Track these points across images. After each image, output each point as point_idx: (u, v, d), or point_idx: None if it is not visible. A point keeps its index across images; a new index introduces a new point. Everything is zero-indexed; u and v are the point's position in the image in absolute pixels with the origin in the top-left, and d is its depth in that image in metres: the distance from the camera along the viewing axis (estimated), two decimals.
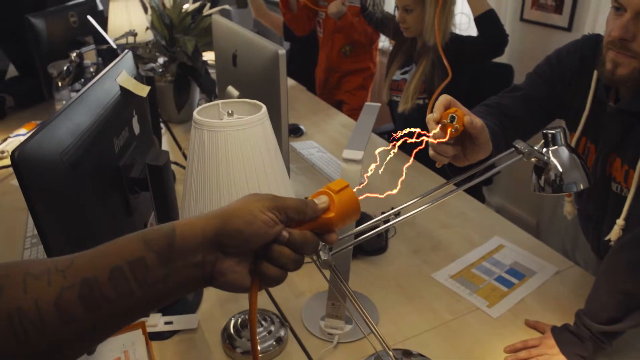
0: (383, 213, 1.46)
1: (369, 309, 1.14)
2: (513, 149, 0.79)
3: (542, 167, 0.79)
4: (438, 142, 0.78)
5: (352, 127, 2.17)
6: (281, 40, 3.38)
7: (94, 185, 0.86)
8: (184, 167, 1.70)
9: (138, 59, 2.04)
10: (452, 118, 0.78)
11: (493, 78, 2.17)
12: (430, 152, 0.85)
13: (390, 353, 0.75)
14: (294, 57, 3.10)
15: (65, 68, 1.94)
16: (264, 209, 0.53)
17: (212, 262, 0.52)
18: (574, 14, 2.33)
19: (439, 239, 1.40)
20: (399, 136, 0.66)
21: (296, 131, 2.09)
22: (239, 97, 1.34)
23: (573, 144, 1.17)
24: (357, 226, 0.74)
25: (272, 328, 1.07)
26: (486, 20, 1.85)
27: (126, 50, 1.17)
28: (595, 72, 1.10)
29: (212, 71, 1.95)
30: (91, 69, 2.08)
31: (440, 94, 1.81)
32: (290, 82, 2.71)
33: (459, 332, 1.09)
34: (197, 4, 2.09)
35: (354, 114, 2.72)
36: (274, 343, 1.04)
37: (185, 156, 1.85)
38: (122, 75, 1.03)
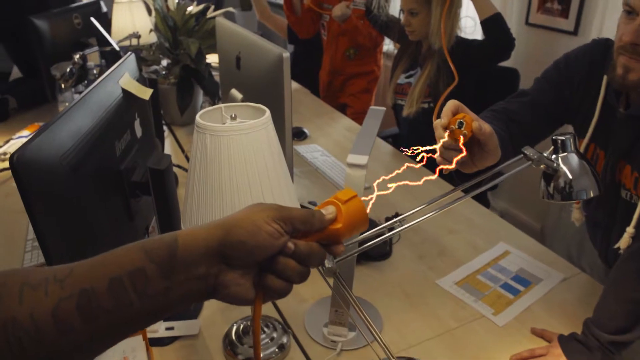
0: (387, 218, 1.44)
1: (372, 315, 1.12)
2: (521, 155, 0.77)
3: (551, 174, 0.77)
4: (446, 149, 0.76)
5: (356, 130, 2.16)
6: (285, 43, 3.38)
7: (95, 189, 0.84)
8: (186, 170, 1.69)
9: (141, 61, 2.04)
10: (461, 124, 0.76)
11: (498, 82, 2.15)
12: (438, 158, 0.83)
13: None
14: (297, 59, 3.09)
15: (68, 70, 1.93)
16: (268, 219, 0.51)
17: (215, 275, 0.50)
18: (580, 18, 2.31)
19: (444, 245, 1.38)
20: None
21: (300, 134, 2.07)
22: (243, 100, 1.33)
23: (581, 150, 1.15)
24: (361, 233, 0.73)
25: (275, 335, 1.05)
26: (493, 23, 1.83)
27: (129, 53, 1.16)
28: (605, 77, 1.08)
29: (215, 74, 1.94)
30: (94, 71, 2.07)
31: (446, 98, 1.81)
32: (294, 85, 2.70)
33: (464, 340, 1.07)
34: (201, 7, 2.09)
35: (357, 117, 2.70)
36: (277, 350, 1.03)
37: (187, 159, 1.84)
38: (124, 77, 1.02)
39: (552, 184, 0.77)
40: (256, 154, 0.81)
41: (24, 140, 0.69)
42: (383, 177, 0.62)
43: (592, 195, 0.76)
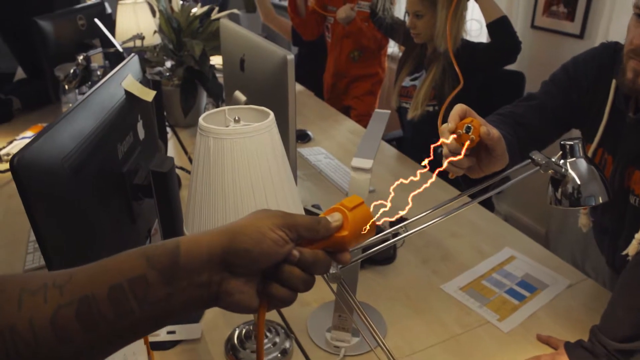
0: (391, 223, 1.43)
1: (376, 321, 1.11)
2: (529, 160, 0.76)
3: (559, 180, 0.76)
4: (452, 154, 0.75)
5: (360, 133, 2.15)
6: (289, 45, 3.37)
7: (96, 192, 0.84)
8: (189, 172, 1.69)
9: (145, 63, 2.03)
10: (468, 129, 0.75)
11: (504, 85, 2.14)
12: (444, 162, 0.82)
13: None
14: (302, 62, 3.08)
15: (72, 71, 1.93)
16: (273, 226, 0.50)
17: (218, 282, 0.49)
18: (586, 21, 2.30)
19: (448, 249, 1.37)
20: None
21: (303, 137, 2.07)
22: (247, 102, 1.32)
23: (589, 155, 1.14)
24: None
25: (277, 339, 1.04)
26: (499, 26, 1.82)
27: (132, 54, 1.15)
28: (614, 81, 1.06)
29: (219, 75, 1.94)
30: (98, 72, 2.07)
31: (451, 101, 1.79)
32: (298, 87, 2.69)
33: (468, 346, 1.06)
34: (205, 8, 2.08)
35: (361, 119, 2.69)
36: (279, 355, 1.02)
37: (191, 161, 1.83)
38: (127, 79, 1.02)
39: (560, 190, 0.76)
40: (260, 157, 0.80)
41: (27, 141, 0.69)
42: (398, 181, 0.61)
43: (601, 201, 0.75)
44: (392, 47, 2.98)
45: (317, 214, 0.56)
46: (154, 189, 0.95)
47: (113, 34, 2.19)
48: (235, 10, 2.29)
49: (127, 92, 1.00)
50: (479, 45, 1.94)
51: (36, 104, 2.32)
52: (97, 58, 2.14)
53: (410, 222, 0.70)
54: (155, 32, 2.22)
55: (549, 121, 1.16)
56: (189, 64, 1.93)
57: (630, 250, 1.00)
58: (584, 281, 1.23)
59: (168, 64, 2.07)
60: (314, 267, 0.53)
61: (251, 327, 1.07)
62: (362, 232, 0.55)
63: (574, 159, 0.76)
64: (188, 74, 1.94)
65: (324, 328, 1.08)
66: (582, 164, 0.75)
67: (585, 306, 1.15)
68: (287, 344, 1.04)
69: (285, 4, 3.03)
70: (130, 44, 2.20)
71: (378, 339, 0.69)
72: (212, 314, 1.13)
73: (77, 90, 2.04)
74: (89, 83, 2.05)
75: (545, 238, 2.55)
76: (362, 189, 0.90)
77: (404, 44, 2.17)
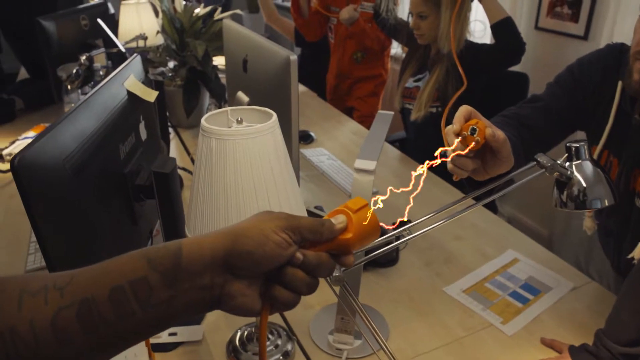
0: (394, 224, 1.42)
1: (379, 323, 1.10)
2: (534, 162, 0.75)
3: (564, 182, 0.75)
4: (457, 156, 0.74)
5: (363, 134, 2.14)
6: (292, 45, 3.37)
7: (98, 193, 0.83)
8: (191, 173, 1.68)
9: (148, 63, 2.03)
10: (473, 130, 0.74)
11: (508, 87, 2.13)
12: (449, 165, 0.81)
13: None
14: (304, 62, 3.08)
15: (74, 71, 1.93)
16: (277, 229, 0.50)
17: (220, 285, 0.49)
18: (590, 22, 2.29)
19: (451, 251, 1.36)
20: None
21: (306, 138, 2.06)
22: (249, 102, 1.32)
23: (594, 157, 1.13)
24: None
25: (279, 342, 1.04)
26: (503, 27, 1.81)
27: (134, 54, 1.14)
28: (620, 83, 1.06)
29: (222, 76, 1.94)
30: (101, 72, 2.07)
31: (455, 102, 1.79)
32: (301, 87, 2.69)
33: (471, 349, 1.05)
34: (208, 8, 2.08)
35: (364, 120, 2.69)
36: (281, 357, 1.01)
37: (193, 161, 1.82)
38: (129, 79, 1.01)
39: (565, 192, 0.76)
40: (262, 158, 0.80)
41: (30, 141, 0.68)
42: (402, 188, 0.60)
43: (606, 204, 0.75)
44: (395, 48, 2.98)
45: (320, 216, 0.55)
46: (155, 189, 0.95)
47: (116, 34, 2.19)
48: (238, 11, 2.29)
49: (129, 93, 1.00)
50: (483, 46, 1.93)
51: (39, 104, 2.32)
52: (99, 58, 2.13)
53: (414, 224, 0.70)
54: (158, 32, 2.22)
55: (553, 123, 1.15)
56: (191, 64, 1.92)
57: (636, 253, 0.99)
58: (588, 284, 1.23)
59: (171, 64, 2.07)
60: (318, 270, 0.52)
61: (253, 329, 1.06)
62: (367, 235, 0.54)
63: (579, 161, 0.75)
64: (191, 74, 1.94)
65: (327, 330, 1.07)
66: (588, 166, 0.75)
67: (589, 309, 1.14)
68: (289, 347, 1.03)
69: (288, 4, 3.03)
70: (133, 44, 2.20)
71: (381, 342, 0.68)
72: (214, 316, 1.13)
73: (79, 91, 2.04)
74: (92, 83, 2.05)
75: (548, 240, 2.54)
76: (365, 190, 0.90)
77: (408, 45, 2.17)
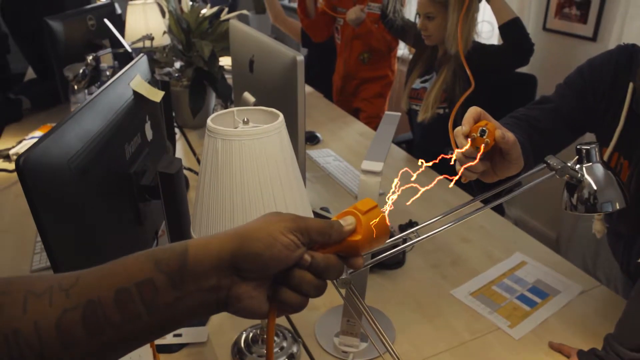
0: (401, 226, 1.41)
1: (385, 326, 1.09)
2: (543, 165, 0.74)
3: (575, 185, 0.74)
4: (466, 158, 0.73)
5: (369, 135, 2.13)
6: (299, 46, 3.36)
7: (103, 193, 0.83)
8: (197, 174, 1.68)
9: (155, 63, 2.03)
10: (483, 132, 0.73)
11: (515, 88, 2.11)
12: (458, 167, 0.80)
13: None
14: (311, 63, 3.07)
15: (81, 71, 1.93)
16: (285, 230, 0.49)
17: (227, 287, 0.48)
18: (599, 23, 2.27)
19: (458, 254, 1.35)
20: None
21: (312, 139, 2.05)
22: (255, 103, 1.31)
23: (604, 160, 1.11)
24: None
25: (285, 344, 1.03)
26: (512, 27, 1.80)
27: (140, 54, 1.14)
28: (631, 85, 1.04)
29: (228, 77, 1.93)
30: (107, 73, 2.07)
31: (462, 104, 1.77)
32: (307, 89, 2.68)
33: (478, 353, 1.04)
34: (215, 9, 2.08)
35: (371, 122, 2.68)
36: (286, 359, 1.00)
37: (199, 162, 1.82)
38: (135, 79, 1.01)
39: (575, 195, 0.74)
40: (268, 159, 0.79)
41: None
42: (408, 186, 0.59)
43: (617, 207, 0.73)
44: (402, 49, 2.96)
45: (326, 217, 0.55)
46: (161, 190, 0.94)
47: (123, 35, 2.19)
48: (244, 11, 2.29)
49: (135, 93, 0.99)
50: (491, 47, 1.92)
51: (46, 104, 2.33)
52: (106, 58, 2.14)
53: (422, 227, 0.69)
54: (164, 32, 2.22)
55: (563, 125, 1.14)
56: (198, 64, 1.92)
57: None
58: (597, 288, 1.21)
59: (177, 64, 2.07)
60: (326, 272, 0.51)
61: (258, 331, 1.06)
62: (376, 237, 0.53)
63: (590, 163, 0.74)
64: (197, 75, 1.94)
65: (332, 333, 1.07)
66: (599, 169, 0.74)
67: (598, 313, 1.13)
68: (295, 349, 1.03)
69: (295, 5, 3.03)
70: (140, 45, 2.20)
71: (387, 345, 0.68)
72: (219, 317, 1.12)
73: (86, 91, 2.04)
74: (98, 83, 2.05)
75: (556, 243, 2.52)
76: (372, 192, 0.89)
77: (415, 45, 2.16)
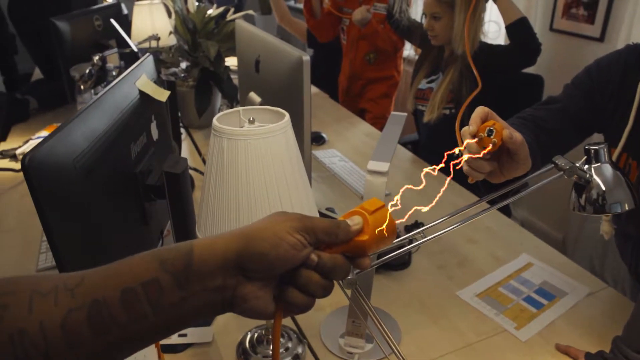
0: (407, 227, 1.41)
1: (390, 327, 1.09)
2: (551, 165, 0.73)
3: (583, 186, 0.73)
4: (474, 158, 0.73)
5: (375, 135, 2.13)
6: (304, 46, 3.36)
7: (109, 192, 0.83)
8: (203, 173, 1.68)
9: (161, 64, 2.03)
10: (490, 132, 0.73)
11: (522, 89, 2.10)
12: (465, 167, 0.80)
13: None
14: (317, 64, 3.07)
15: (87, 71, 1.94)
16: (291, 230, 0.48)
17: (232, 287, 0.48)
18: (607, 24, 2.26)
19: (464, 255, 1.34)
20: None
21: (318, 139, 2.05)
22: (261, 103, 1.31)
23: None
24: None
25: (290, 345, 1.03)
26: (519, 27, 1.79)
27: (146, 54, 1.14)
28: None
29: (234, 77, 1.93)
30: (113, 73, 2.08)
31: (469, 104, 1.77)
32: (313, 89, 2.68)
33: (484, 355, 1.03)
34: (221, 9, 2.08)
35: (377, 122, 2.67)
36: None
37: (204, 162, 1.82)
38: (141, 79, 1.01)
39: (584, 196, 0.74)
40: (274, 159, 0.79)
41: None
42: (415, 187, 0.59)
43: (627, 208, 0.73)
44: (408, 50, 2.96)
45: (331, 217, 0.54)
46: (166, 190, 0.94)
47: (129, 35, 2.19)
48: (250, 12, 2.29)
49: (141, 92, 0.99)
50: (498, 47, 1.91)
51: (52, 104, 2.34)
52: (112, 58, 2.14)
53: (428, 227, 0.68)
54: (170, 33, 2.23)
55: (571, 125, 1.13)
56: (204, 65, 1.92)
57: None
58: (605, 289, 1.20)
59: (183, 64, 2.07)
60: (333, 272, 0.51)
61: (263, 332, 1.05)
62: (383, 237, 0.53)
63: (599, 164, 0.73)
64: (203, 75, 1.94)
65: (338, 334, 1.06)
66: (608, 169, 0.73)
67: (606, 315, 1.12)
68: (300, 349, 1.02)
69: (301, 5, 3.02)
70: (146, 45, 2.21)
71: (392, 346, 0.67)
72: (224, 318, 1.12)
73: (92, 91, 2.04)
74: (104, 83, 2.06)
75: (562, 244, 2.50)
76: (378, 192, 0.88)
77: (421, 46, 2.15)
